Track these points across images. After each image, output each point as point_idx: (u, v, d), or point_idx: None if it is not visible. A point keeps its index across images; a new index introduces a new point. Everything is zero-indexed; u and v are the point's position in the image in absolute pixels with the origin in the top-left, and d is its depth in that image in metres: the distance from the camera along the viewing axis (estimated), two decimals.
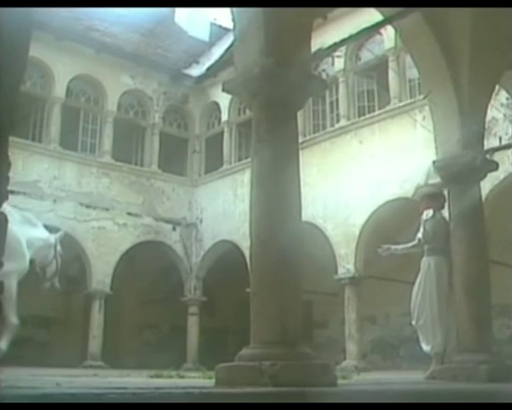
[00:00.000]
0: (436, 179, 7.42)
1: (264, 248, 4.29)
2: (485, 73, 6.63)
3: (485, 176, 6.88)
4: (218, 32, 21.78)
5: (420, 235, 6.92)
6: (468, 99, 6.57)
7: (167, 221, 17.81)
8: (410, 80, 13.90)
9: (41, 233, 7.78)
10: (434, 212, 7.02)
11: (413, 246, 7.08)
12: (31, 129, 16.19)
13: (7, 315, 6.88)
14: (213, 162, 18.36)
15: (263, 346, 4.06)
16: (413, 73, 12.56)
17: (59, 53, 16.16)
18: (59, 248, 8.14)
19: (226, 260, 16.89)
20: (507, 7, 5.68)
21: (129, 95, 17.93)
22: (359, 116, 14.83)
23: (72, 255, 16.68)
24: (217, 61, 18.90)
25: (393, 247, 7.33)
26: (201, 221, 18.11)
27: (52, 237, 8.02)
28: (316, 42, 5.06)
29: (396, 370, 13.64)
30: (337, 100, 15.35)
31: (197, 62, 19.65)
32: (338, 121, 15.16)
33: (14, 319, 6.96)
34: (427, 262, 6.89)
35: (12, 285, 6.81)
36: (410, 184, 12.31)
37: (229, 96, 16.22)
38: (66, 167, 16.23)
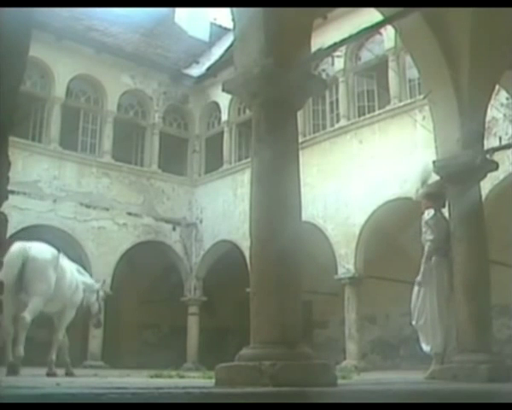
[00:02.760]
0: (432, 179, 7.40)
1: (264, 248, 4.29)
2: (485, 73, 6.63)
3: (485, 176, 6.87)
4: (218, 31, 21.79)
5: (431, 237, 6.85)
6: (468, 99, 6.57)
7: (167, 221, 17.82)
8: (409, 80, 13.90)
9: (87, 279, 9.79)
10: (435, 211, 7.01)
11: (429, 253, 6.88)
12: (31, 129, 16.19)
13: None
14: (213, 162, 18.37)
15: (263, 346, 4.05)
16: (413, 72, 12.57)
17: (59, 53, 16.17)
18: (101, 293, 10.15)
19: (226, 260, 16.90)
20: (507, 7, 5.68)
21: (129, 95, 17.94)
22: (359, 116, 14.83)
23: (72, 255, 16.71)
24: (217, 61, 18.91)
25: (419, 277, 6.99)
26: (201, 221, 18.12)
27: (96, 285, 10.01)
28: (316, 42, 5.06)
29: (396, 370, 13.64)
30: (337, 100, 15.35)
31: (197, 62, 19.66)
32: (338, 121, 15.16)
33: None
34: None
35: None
36: (409, 184, 12.29)
37: (229, 96, 16.23)
38: (66, 167, 16.24)
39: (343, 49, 13.76)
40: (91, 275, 15.98)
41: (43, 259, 8.14)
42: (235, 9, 4.92)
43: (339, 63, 15.00)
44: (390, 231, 13.50)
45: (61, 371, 8.78)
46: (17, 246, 7.99)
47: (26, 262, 7.89)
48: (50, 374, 8.20)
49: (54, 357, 8.67)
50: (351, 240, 14.07)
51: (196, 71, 19.13)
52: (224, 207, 17.39)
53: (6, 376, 6.97)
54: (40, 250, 8.26)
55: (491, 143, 9.61)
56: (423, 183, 7.60)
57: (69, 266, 9.07)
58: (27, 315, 7.83)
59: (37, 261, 7.99)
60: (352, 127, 14.68)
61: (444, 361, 6.55)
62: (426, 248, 6.84)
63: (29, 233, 14.44)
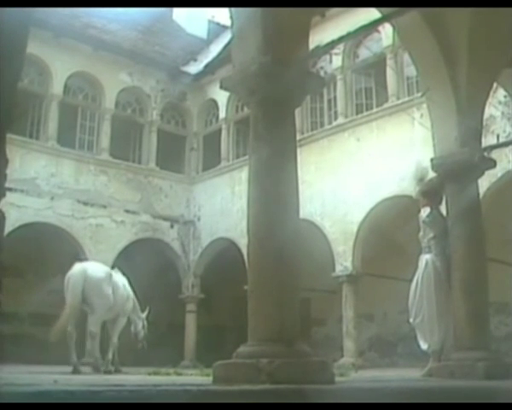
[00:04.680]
0: (430, 176, 7.40)
1: (262, 245, 4.29)
2: (483, 71, 6.62)
3: (482, 174, 6.87)
4: (216, 29, 21.76)
5: (431, 234, 6.85)
6: (466, 97, 6.56)
7: (165, 219, 17.80)
8: (407, 78, 13.89)
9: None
10: (431, 209, 7.01)
11: (437, 250, 6.85)
12: (28, 126, 16.16)
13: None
14: (211, 160, 18.36)
15: (260, 343, 4.05)
16: (411, 70, 12.54)
17: (57, 50, 16.13)
18: (145, 322, 11.31)
19: (224, 257, 16.89)
20: (506, 7, 5.68)
21: (127, 92, 17.90)
22: (357, 114, 14.82)
23: (70, 253, 16.68)
24: (215, 59, 18.88)
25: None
26: (199, 219, 18.11)
27: (141, 314, 11.25)
28: (314, 39, 5.05)
29: (393, 367, 13.64)
30: (335, 98, 15.35)
31: (195, 60, 19.62)
32: (336, 119, 15.16)
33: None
34: (424, 260, 6.88)
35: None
36: (407, 181, 12.32)
37: (226, 94, 16.21)
38: (63, 165, 16.21)
39: (341, 46, 13.76)
40: None
41: (97, 278, 9.67)
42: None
43: (337, 61, 15.00)
44: (388, 229, 13.51)
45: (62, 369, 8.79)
46: (78, 267, 9.63)
47: (85, 281, 9.42)
48: (106, 371, 9.80)
49: (110, 356, 10.39)
50: (348, 238, 14.08)
51: (194, 68, 19.10)
52: (221, 205, 17.38)
53: (72, 373, 8.34)
54: (94, 270, 9.86)
55: (488, 140, 9.64)
56: (419, 181, 7.61)
57: (121, 280, 10.57)
58: (92, 328, 9.77)
59: (93, 280, 9.55)
60: (349, 125, 14.67)
61: (441, 359, 6.55)
62: (432, 248, 6.82)
63: (27, 231, 14.45)
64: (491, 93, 7.84)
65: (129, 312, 10.79)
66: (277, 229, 4.24)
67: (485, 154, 6.99)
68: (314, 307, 17.06)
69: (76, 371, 8.85)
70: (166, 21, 21.48)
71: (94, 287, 9.53)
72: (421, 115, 11.28)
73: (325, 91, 15.29)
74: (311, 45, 4.97)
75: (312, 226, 14.33)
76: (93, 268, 9.96)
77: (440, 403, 3.37)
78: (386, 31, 13.35)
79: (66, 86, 16.59)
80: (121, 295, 10.36)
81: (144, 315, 11.41)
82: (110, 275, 10.10)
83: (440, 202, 7.04)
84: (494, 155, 7.41)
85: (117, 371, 10.05)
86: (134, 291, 11.06)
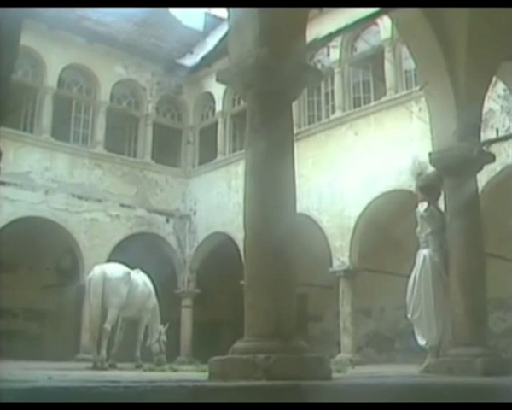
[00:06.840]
0: (426, 171, 7.35)
1: (259, 240, 4.25)
2: (482, 65, 6.58)
3: (481, 168, 6.84)
4: (213, 21, 21.67)
5: (429, 230, 6.81)
6: (465, 91, 6.52)
7: (160, 213, 17.76)
8: (406, 71, 13.86)
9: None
10: (428, 204, 6.97)
11: (435, 246, 6.83)
12: (22, 119, 16.09)
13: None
14: (207, 153, 18.32)
15: (257, 339, 4.02)
16: (409, 64, 12.51)
17: (51, 42, 16.06)
18: (163, 337, 11.72)
19: (220, 252, 16.87)
20: (506, 7, 5.64)
21: (122, 85, 17.84)
22: (355, 107, 14.80)
23: (65, 247, 16.64)
24: (211, 51, 18.81)
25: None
26: (195, 213, 18.07)
27: (159, 327, 11.75)
28: (311, 32, 5.00)
29: (391, 363, 13.65)
30: (332, 91, 15.31)
31: (191, 52, 19.57)
32: (333, 112, 15.13)
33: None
34: (422, 255, 6.85)
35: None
36: (405, 176, 12.26)
37: (223, 87, 16.15)
38: (58, 158, 16.15)
39: (339, 39, 13.71)
40: (83, 266, 16.11)
41: (116, 277, 10.28)
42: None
43: (334, 54, 14.95)
44: (385, 224, 13.49)
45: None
46: (98, 269, 10.33)
47: (104, 282, 10.02)
48: (138, 366, 10.61)
49: (139, 353, 11.27)
50: (346, 232, 14.06)
51: (190, 61, 19.05)
52: (217, 199, 17.35)
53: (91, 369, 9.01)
54: (113, 270, 10.46)
55: (488, 135, 9.61)
56: (417, 175, 7.55)
57: (142, 278, 11.24)
58: (108, 326, 10.05)
59: (112, 280, 10.15)
60: (347, 119, 14.64)
61: (439, 355, 6.53)
62: (430, 243, 6.78)
63: (21, 225, 14.38)
64: (491, 87, 7.79)
65: (151, 309, 11.30)
66: (274, 223, 4.19)
67: (484, 148, 6.96)
68: (311, 303, 17.05)
69: (98, 369, 9.28)
70: (162, 14, 21.39)
71: (112, 287, 10.09)
72: (420, 109, 11.24)
73: (322, 85, 15.26)
74: (309, 38, 4.92)
75: (309, 221, 14.30)
76: (111, 269, 10.50)
77: (438, 403, 3.33)
78: (385, 24, 13.31)
79: (60, 79, 16.51)
80: (141, 292, 10.94)
81: (163, 330, 11.70)
82: (128, 274, 10.57)
83: (438, 197, 7.00)
84: (493, 149, 7.39)
85: (112, 367, 10.14)
86: (158, 298, 11.47)
